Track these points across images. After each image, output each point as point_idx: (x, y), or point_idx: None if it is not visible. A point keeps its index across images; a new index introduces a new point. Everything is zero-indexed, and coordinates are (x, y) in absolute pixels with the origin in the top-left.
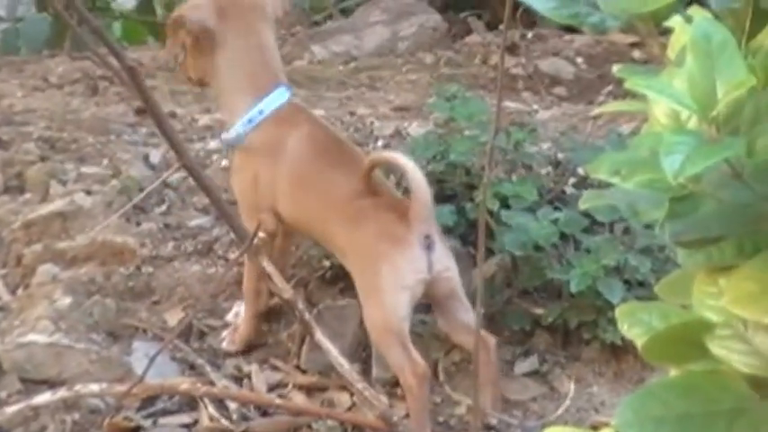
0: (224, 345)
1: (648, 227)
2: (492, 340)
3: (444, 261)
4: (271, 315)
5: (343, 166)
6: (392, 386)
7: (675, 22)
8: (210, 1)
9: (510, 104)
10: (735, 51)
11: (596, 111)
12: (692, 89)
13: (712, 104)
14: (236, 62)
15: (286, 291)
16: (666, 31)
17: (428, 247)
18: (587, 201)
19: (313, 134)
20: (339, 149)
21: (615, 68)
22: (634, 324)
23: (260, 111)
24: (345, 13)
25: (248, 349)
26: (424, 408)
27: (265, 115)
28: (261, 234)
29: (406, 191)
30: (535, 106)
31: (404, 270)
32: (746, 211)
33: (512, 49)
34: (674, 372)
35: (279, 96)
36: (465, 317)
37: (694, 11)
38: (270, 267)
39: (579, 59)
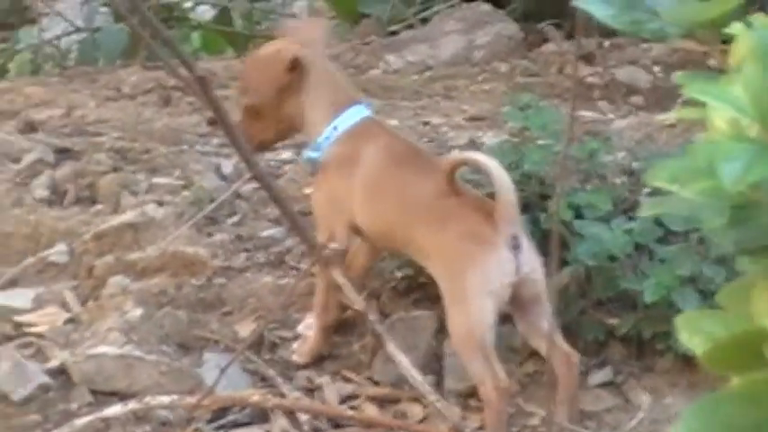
0: (294, 357)
1: None
2: (575, 356)
3: (532, 262)
4: (343, 326)
5: (422, 171)
6: (465, 398)
7: (737, 28)
8: (292, 39)
9: (585, 114)
10: None
11: (661, 117)
12: (751, 96)
13: None
14: (319, 87)
15: (358, 302)
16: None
17: (515, 247)
18: (649, 208)
19: (389, 145)
20: (417, 157)
21: (678, 76)
22: (695, 333)
23: (334, 127)
24: (426, 22)
25: (320, 361)
26: (501, 423)
27: (340, 131)
28: (333, 245)
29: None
30: (611, 115)
31: (491, 274)
32: None
33: (588, 59)
34: (735, 381)
35: (355, 113)
36: (546, 322)
37: (756, 17)
38: (341, 279)
39: (656, 68)
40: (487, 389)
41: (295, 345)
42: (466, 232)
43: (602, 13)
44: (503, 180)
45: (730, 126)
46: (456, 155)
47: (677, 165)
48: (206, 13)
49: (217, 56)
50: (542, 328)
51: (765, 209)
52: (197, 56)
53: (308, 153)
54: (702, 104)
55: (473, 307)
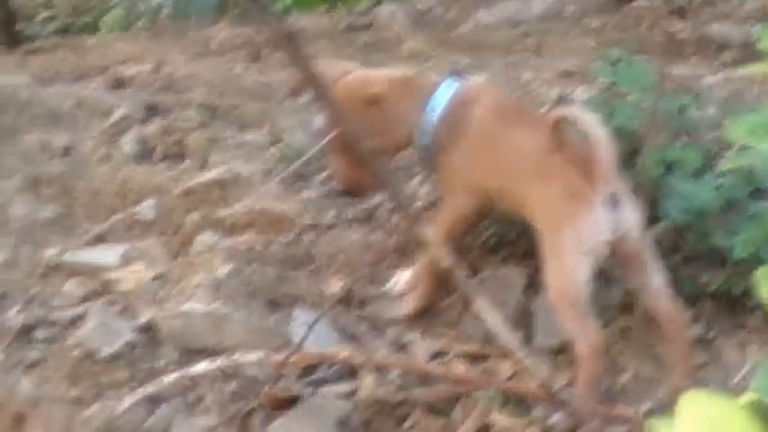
0: (404, 310)
1: None
2: (682, 314)
3: (632, 219)
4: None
5: (527, 126)
6: (555, 354)
7: None
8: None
9: (676, 69)
10: None
11: (745, 71)
12: None
13: None
14: (397, 100)
15: (447, 259)
16: None
17: (614, 205)
18: (730, 162)
19: (490, 106)
20: (520, 112)
21: (757, 29)
22: None
23: (431, 111)
24: None
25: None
26: (593, 380)
27: (441, 109)
28: (419, 202)
29: None
30: (702, 71)
31: (586, 233)
32: None
33: (680, 14)
34: None
35: (444, 92)
36: (655, 279)
37: None
38: (429, 236)
39: (748, 23)
40: (581, 346)
41: (398, 300)
42: (566, 190)
43: None
44: (601, 137)
45: None
46: (558, 110)
47: (756, 119)
48: None
49: (310, 11)
50: (648, 285)
51: None
52: (288, 12)
53: (418, 145)
54: None
55: (568, 265)
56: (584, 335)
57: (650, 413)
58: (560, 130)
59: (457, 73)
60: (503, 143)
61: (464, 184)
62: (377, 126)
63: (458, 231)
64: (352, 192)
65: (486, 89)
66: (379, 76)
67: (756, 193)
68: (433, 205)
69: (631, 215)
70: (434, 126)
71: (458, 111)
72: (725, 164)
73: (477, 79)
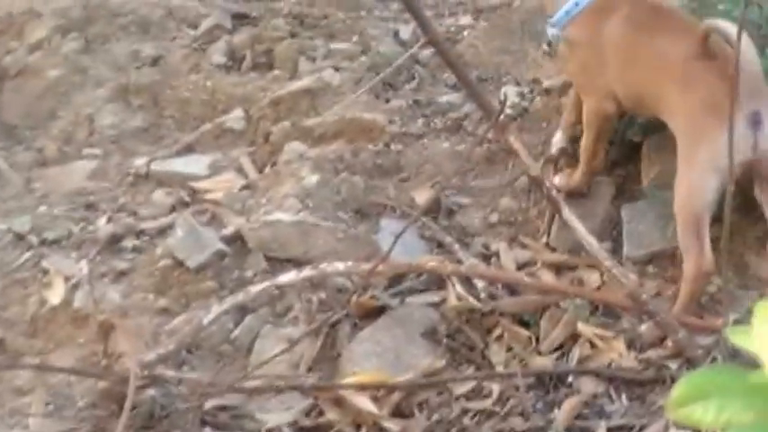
0: (555, 180)
1: None
2: None
3: None
4: (520, 192)
5: (672, 32)
6: (643, 264)
7: None
8: None
9: None
10: None
11: None
12: None
13: None
14: None
15: (534, 168)
16: None
17: (756, 123)
18: None
19: (631, 14)
20: (666, 19)
21: None
22: None
23: (576, 3)
24: None
25: (496, 226)
26: (693, 299)
27: (582, 7)
28: (507, 110)
29: None
30: None
31: (720, 151)
32: None
33: None
34: None
35: None
36: None
37: None
38: (517, 144)
39: None
40: (690, 263)
41: (559, 175)
42: (709, 101)
43: None
44: (749, 53)
45: None
46: (708, 22)
47: None
48: None
49: None
50: None
51: None
52: None
53: (549, 28)
54: None
55: (697, 180)
56: (697, 253)
57: (737, 323)
58: (708, 41)
59: None
60: (644, 52)
61: (598, 86)
62: None
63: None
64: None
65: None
66: None
67: None
68: (521, 115)
69: None
70: (572, 21)
71: (597, 16)
72: None
73: None
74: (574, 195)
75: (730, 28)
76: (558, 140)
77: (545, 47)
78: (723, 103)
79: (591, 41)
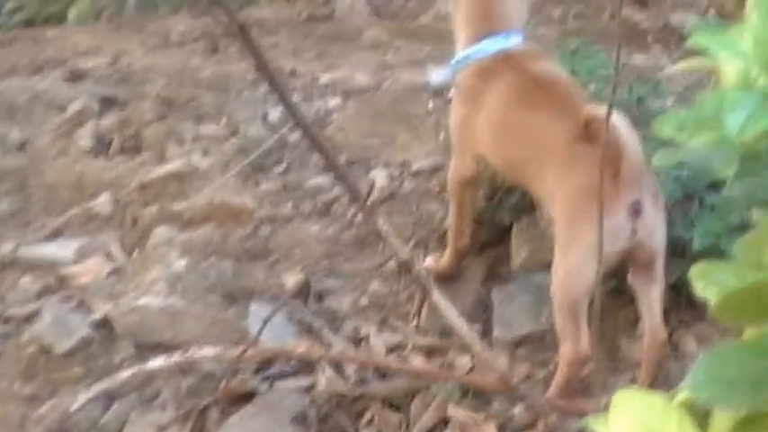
0: (426, 262)
1: None
2: (663, 333)
3: (651, 228)
4: (391, 276)
5: (555, 112)
6: (513, 347)
7: None
8: None
9: (638, 58)
10: None
11: (673, 68)
12: (756, 46)
13: None
14: (463, 8)
15: (404, 251)
16: None
17: (635, 213)
18: (660, 159)
19: (515, 83)
20: (549, 95)
21: (688, 24)
22: (709, 284)
23: (467, 56)
24: None
25: (366, 310)
26: (569, 383)
27: (471, 61)
28: (375, 194)
29: None
30: (663, 61)
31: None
32: None
33: (642, 2)
34: (748, 332)
35: (493, 44)
36: (654, 290)
37: None
38: (385, 227)
39: (710, 12)
40: (566, 349)
41: (428, 259)
42: (589, 186)
43: None
44: (630, 142)
45: (739, 76)
46: (591, 109)
47: (684, 115)
48: None
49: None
50: (646, 293)
51: None
52: (253, 1)
53: (438, 73)
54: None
55: (576, 266)
56: (574, 338)
57: (608, 407)
58: (593, 126)
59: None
60: (525, 127)
61: (468, 145)
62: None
63: (464, 192)
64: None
65: (523, 65)
66: None
67: (714, 185)
68: (390, 198)
69: (651, 223)
70: (461, 71)
71: (485, 74)
72: (656, 159)
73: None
74: (443, 278)
75: (613, 117)
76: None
77: (430, 104)
78: (606, 192)
79: (473, 97)
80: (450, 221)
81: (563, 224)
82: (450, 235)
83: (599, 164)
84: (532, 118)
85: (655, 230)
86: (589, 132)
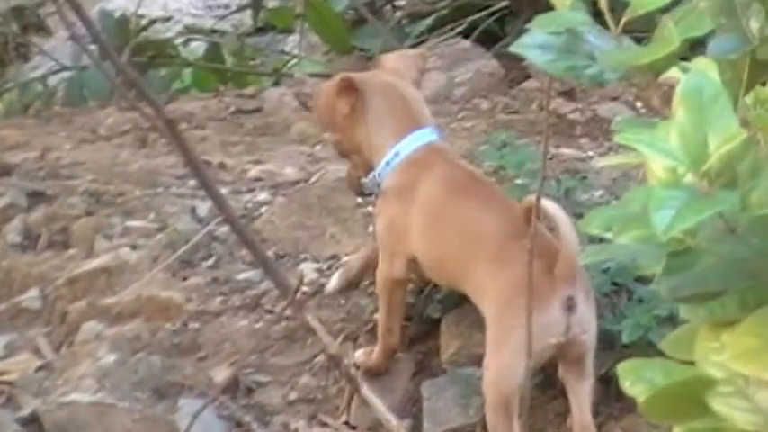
0: (356, 355)
1: None
2: (592, 431)
3: (584, 324)
4: (319, 370)
5: (487, 205)
6: None
7: (676, 73)
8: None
9: (566, 151)
10: (726, 104)
11: (600, 163)
12: (683, 143)
13: (703, 158)
14: (380, 112)
15: (333, 346)
16: None
17: (569, 308)
18: (589, 256)
19: (449, 175)
20: (480, 189)
21: (615, 120)
22: (636, 381)
23: (396, 153)
24: None
25: (295, 405)
26: None
27: (402, 157)
28: (304, 288)
29: None
30: (591, 153)
31: (535, 333)
32: (744, 266)
33: (570, 94)
34: (677, 430)
35: (417, 138)
36: (584, 385)
37: (697, 61)
38: (315, 322)
39: (638, 104)
40: None
41: (360, 351)
42: (522, 282)
43: (540, 59)
44: (569, 237)
45: (667, 173)
46: (530, 199)
47: (611, 212)
48: (200, 48)
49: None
50: (576, 388)
51: (699, 256)
52: (188, 92)
53: (369, 178)
54: None
55: (508, 363)
56: None
57: None
58: (529, 218)
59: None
60: (455, 221)
61: (399, 248)
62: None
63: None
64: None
65: (450, 157)
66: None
67: (643, 277)
68: (318, 292)
69: (584, 320)
70: (391, 171)
71: (414, 169)
72: (585, 257)
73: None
74: (373, 373)
75: (552, 207)
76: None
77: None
78: (538, 285)
79: (402, 196)
80: (380, 320)
81: (494, 321)
82: (379, 333)
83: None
84: (465, 211)
85: (587, 327)
86: (522, 226)
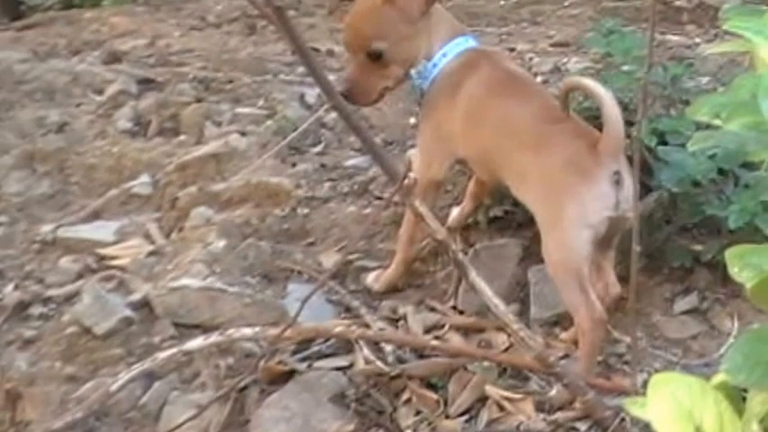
0: (368, 281)
1: None
2: (616, 287)
3: (630, 200)
4: (428, 256)
5: (524, 98)
6: (550, 326)
7: None
8: None
9: (672, 38)
10: None
11: (708, 51)
12: None
13: None
14: (441, 17)
15: (440, 232)
16: None
17: (617, 182)
18: (696, 142)
19: (489, 75)
20: (518, 84)
21: (723, 8)
22: (744, 267)
23: (444, 54)
24: None
25: (404, 290)
26: (593, 351)
27: (448, 59)
28: (411, 175)
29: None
30: (697, 39)
31: (590, 207)
32: None
33: None
34: None
35: (462, 42)
36: (608, 255)
37: None
38: (423, 209)
39: None
40: (582, 318)
41: (373, 273)
42: (568, 160)
43: None
44: (613, 113)
45: None
46: (573, 79)
47: (719, 99)
48: None
49: None
50: (603, 259)
51: None
52: None
53: (417, 79)
54: None
55: (570, 238)
56: (585, 306)
57: (646, 384)
58: (568, 99)
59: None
60: (495, 115)
61: (443, 148)
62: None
63: (433, 195)
64: (351, 98)
65: (491, 60)
66: None
67: (749, 163)
68: None
69: (631, 196)
70: (437, 73)
71: (457, 72)
72: (692, 143)
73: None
74: (390, 290)
75: (593, 84)
76: (453, 217)
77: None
78: (583, 162)
79: (448, 97)
80: (404, 229)
81: (543, 202)
82: (400, 243)
83: (573, 137)
84: (503, 104)
85: (630, 204)
86: (557, 111)
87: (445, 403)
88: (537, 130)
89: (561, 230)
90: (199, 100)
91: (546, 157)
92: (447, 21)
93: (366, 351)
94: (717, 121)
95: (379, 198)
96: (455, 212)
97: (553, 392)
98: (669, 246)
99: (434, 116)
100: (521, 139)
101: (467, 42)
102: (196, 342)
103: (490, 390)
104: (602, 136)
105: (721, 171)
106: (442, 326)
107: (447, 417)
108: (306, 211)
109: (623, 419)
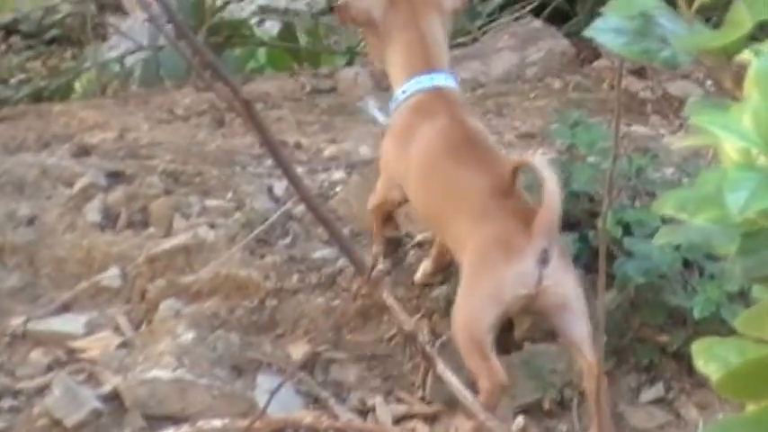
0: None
1: None
2: (596, 370)
3: (557, 276)
4: (396, 347)
5: (476, 167)
6: (516, 415)
7: (746, 56)
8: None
9: (637, 129)
10: None
11: (674, 145)
12: (756, 125)
13: None
14: (395, 48)
15: (408, 323)
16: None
17: (543, 261)
18: (662, 237)
19: (447, 132)
20: (474, 150)
21: (689, 102)
22: (710, 359)
23: (403, 91)
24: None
25: (372, 381)
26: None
27: (407, 96)
28: (379, 267)
29: None
30: (662, 131)
31: (506, 283)
32: None
33: (640, 73)
34: (750, 407)
35: (426, 81)
36: (576, 332)
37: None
38: (390, 300)
39: (708, 82)
40: (483, 380)
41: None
42: (499, 237)
43: (613, 42)
44: (552, 193)
45: (740, 154)
46: (521, 157)
47: (684, 194)
48: (274, 28)
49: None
50: (575, 338)
51: None
52: (262, 72)
53: (379, 112)
54: None
55: (478, 310)
56: (487, 370)
57: None
58: (516, 176)
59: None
60: (446, 174)
61: (395, 184)
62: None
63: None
64: (339, 12)
65: (452, 107)
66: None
67: (713, 254)
68: (390, 272)
69: (557, 272)
70: (396, 109)
71: (415, 114)
72: (658, 238)
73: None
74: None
75: (538, 162)
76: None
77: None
78: (513, 239)
79: (402, 138)
80: (375, 235)
81: (467, 270)
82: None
83: (511, 214)
84: (454, 170)
85: (561, 279)
86: (506, 185)
87: None
88: (481, 202)
89: (472, 300)
90: (168, 192)
91: (482, 230)
92: (413, 56)
93: None
94: (683, 215)
95: (347, 290)
96: (424, 265)
97: None
98: (635, 336)
99: (390, 152)
100: (465, 207)
101: (431, 81)
102: None
103: None
104: (538, 215)
105: (686, 261)
106: (411, 416)
107: None
108: (274, 302)
109: None
